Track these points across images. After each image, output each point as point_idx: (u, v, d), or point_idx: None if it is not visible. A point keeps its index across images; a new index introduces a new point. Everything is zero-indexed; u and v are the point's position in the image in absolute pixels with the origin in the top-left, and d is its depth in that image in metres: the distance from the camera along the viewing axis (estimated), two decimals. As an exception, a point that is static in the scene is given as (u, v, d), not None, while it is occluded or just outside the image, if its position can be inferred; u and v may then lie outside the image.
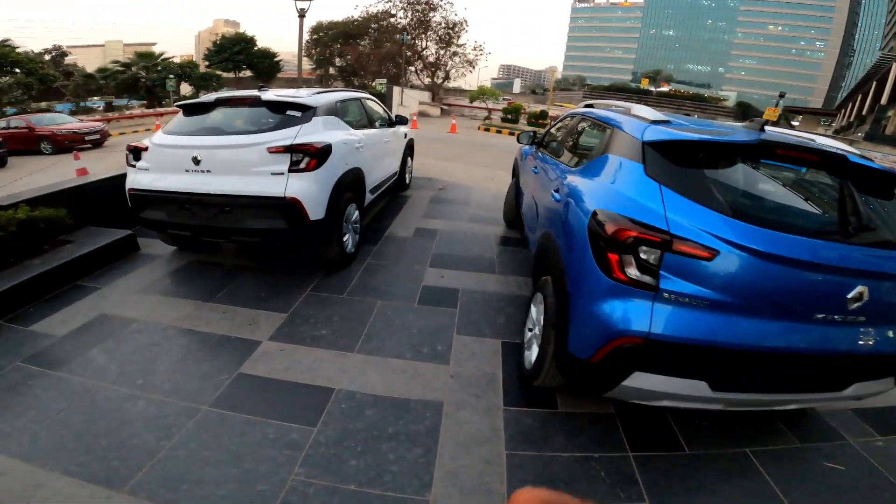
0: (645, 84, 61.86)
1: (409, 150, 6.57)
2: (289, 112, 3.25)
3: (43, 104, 21.04)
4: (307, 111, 3.30)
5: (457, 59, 28.75)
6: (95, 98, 27.75)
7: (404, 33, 23.99)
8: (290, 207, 3.03)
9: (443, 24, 27.68)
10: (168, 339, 2.67)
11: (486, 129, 17.70)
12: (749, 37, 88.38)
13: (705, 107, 55.66)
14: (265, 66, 32.75)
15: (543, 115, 18.73)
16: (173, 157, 3.15)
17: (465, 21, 27.98)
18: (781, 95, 23.62)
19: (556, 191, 2.53)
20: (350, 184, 3.66)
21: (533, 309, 2.49)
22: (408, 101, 20.34)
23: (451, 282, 3.62)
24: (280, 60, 35.92)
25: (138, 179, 3.24)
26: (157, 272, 3.54)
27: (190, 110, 3.46)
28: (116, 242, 3.65)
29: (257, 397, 2.20)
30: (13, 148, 11.99)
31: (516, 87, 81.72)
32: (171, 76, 25.56)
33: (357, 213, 3.89)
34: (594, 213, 1.84)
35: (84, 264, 3.34)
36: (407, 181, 6.52)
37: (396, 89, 19.57)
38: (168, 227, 3.31)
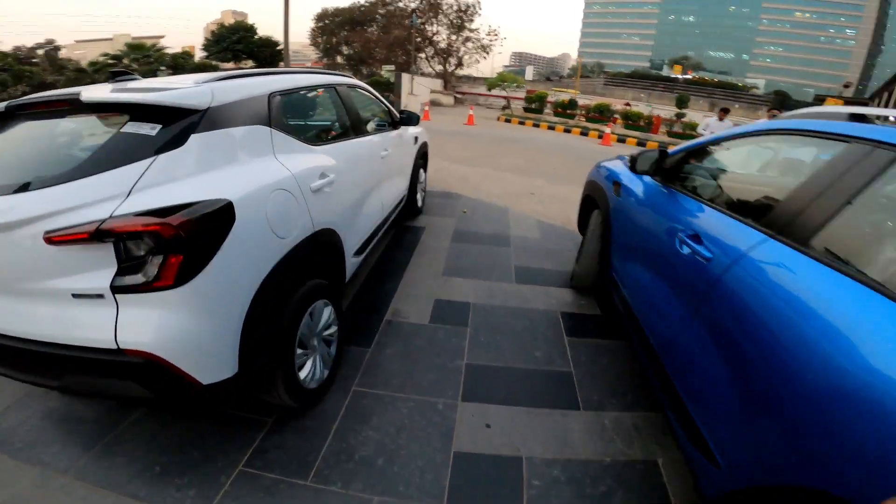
0: (678, 71, 58.24)
1: (423, 158, 4.64)
2: (130, 129, 1.36)
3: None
4: (178, 121, 1.41)
5: (470, 44, 26.66)
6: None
7: (414, 16, 21.89)
8: (143, 370, 1.21)
9: (454, 8, 25.55)
10: None
11: (507, 121, 15.63)
12: (775, 23, 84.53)
13: (738, 95, 51.70)
14: (266, 55, 30.83)
15: (573, 104, 16.56)
16: None
17: (479, 3, 25.78)
18: (846, 86, 21.13)
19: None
20: (308, 264, 1.83)
21: None
22: (418, 89, 18.34)
23: (506, 437, 1.80)
24: (281, 49, 33.95)
25: None
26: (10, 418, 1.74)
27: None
28: None
29: None
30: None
31: (528, 75, 78.42)
32: (163, 68, 23.80)
33: (331, 312, 2.03)
34: None
35: None
36: (419, 203, 4.61)
37: (406, 77, 17.57)
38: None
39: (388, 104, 3.63)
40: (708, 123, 8.14)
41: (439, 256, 3.70)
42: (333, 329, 2.04)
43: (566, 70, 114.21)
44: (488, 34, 26.69)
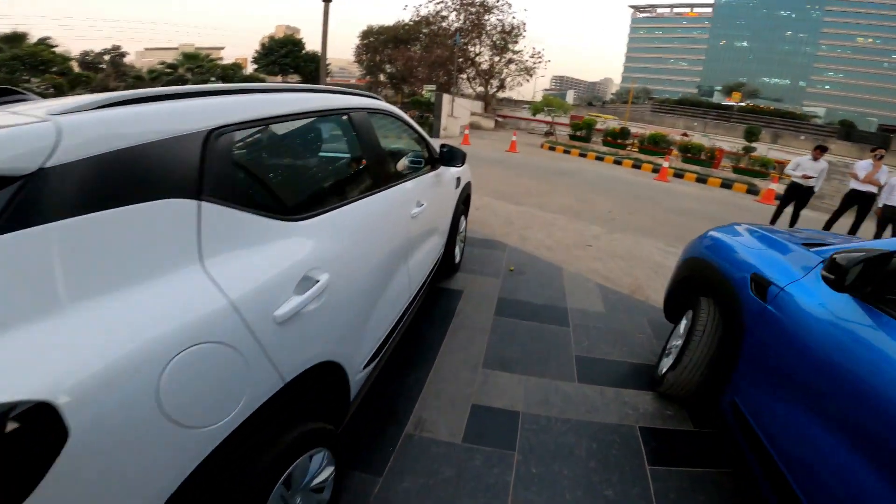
0: (736, 98, 55.32)
1: (465, 203, 3.78)
2: None
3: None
4: None
5: (513, 66, 26.05)
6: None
7: (457, 35, 21.50)
8: None
9: (498, 28, 25.07)
10: None
11: (551, 148, 14.68)
12: (835, 49, 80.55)
13: (799, 125, 48.02)
14: (312, 70, 31.41)
15: (625, 133, 15.43)
16: None
17: (524, 25, 25.21)
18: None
19: None
20: (277, 423, 1.07)
21: None
22: (459, 111, 17.73)
23: None
24: (328, 65, 34.65)
25: None
26: None
27: None
28: None
29: None
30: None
31: (569, 99, 77.20)
32: (213, 78, 24.49)
33: (324, 457, 1.22)
34: None
35: None
36: (457, 258, 3.72)
37: (446, 97, 16.99)
38: None
39: (426, 135, 2.76)
40: (799, 163, 6.90)
41: (479, 337, 2.82)
42: (327, 474, 1.26)
43: (608, 95, 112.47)
44: (532, 56, 26.07)
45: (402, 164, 2.41)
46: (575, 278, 3.99)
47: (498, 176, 8.73)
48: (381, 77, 33.03)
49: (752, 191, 10.71)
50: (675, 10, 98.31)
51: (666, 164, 11.15)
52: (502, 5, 25.26)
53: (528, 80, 27.35)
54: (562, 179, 9.13)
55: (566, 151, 14.19)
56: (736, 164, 13.17)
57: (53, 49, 19.65)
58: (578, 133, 16.37)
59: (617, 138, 15.15)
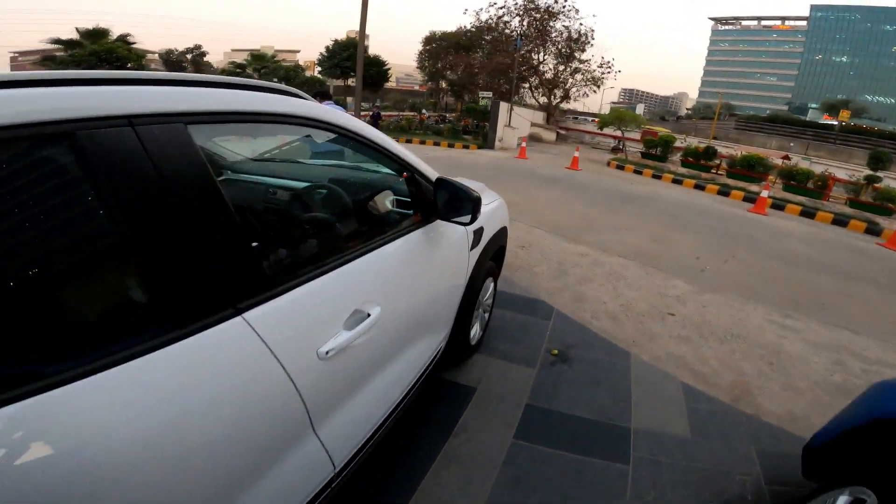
0: (845, 116, 48.47)
1: (496, 258, 2.51)
2: None
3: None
4: None
5: (579, 76, 24.20)
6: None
7: (519, 38, 20.09)
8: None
9: (564, 36, 23.40)
10: None
11: (619, 167, 12.90)
12: (947, 66, 70.97)
13: None
14: (372, 74, 31.41)
15: (709, 153, 13.24)
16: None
17: (592, 32, 23.32)
18: None
19: None
20: None
21: None
22: (517, 121, 16.36)
23: None
24: (389, 69, 34.70)
25: None
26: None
27: None
28: None
29: None
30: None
31: (639, 113, 72.44)
32: (275, 79, 24.96)
33: None
34: None
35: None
36: (475, 338, 2.45)
37: (503, 106, 15.68)
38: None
39: (420, 168, 1.52)
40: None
41: (481, 479, 1.64)
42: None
43: (683, 110, 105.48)
44: (600, 66, 24.07)
45: (342, 227, 1.20)
46: (648, 373, 2.60)
47: (553, 200, 7.30)
48: (443, 84, 32.42)
49: (873, 230, 8.44)
50: (764, 22, 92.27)
51: (765, 194, 9.11)
52: (568, 11, 23.55)
53: (594, 92, 25.39)
54: (632, 207, 7.50)
55: (637, 171, 12.36)
56: (853, 197, 10.68)
57: (130, 46, 20.82)
58: (652, 151, 14.36)
59: (700, 159, 13.00)
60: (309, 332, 1.00)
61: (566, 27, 23.30)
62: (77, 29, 21.18)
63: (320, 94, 5.23)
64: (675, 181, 11.39)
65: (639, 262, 4.58)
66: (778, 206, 9.73)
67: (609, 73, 23.91)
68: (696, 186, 11.01)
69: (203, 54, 37.20)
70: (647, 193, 9.13)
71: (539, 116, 22.70)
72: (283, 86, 1.16)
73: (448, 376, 2.32)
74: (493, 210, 2.29)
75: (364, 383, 1.23)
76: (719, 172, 12.87)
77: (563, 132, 21.12)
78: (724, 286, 4.18)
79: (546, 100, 24.94)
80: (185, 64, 36.53)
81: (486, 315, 2.66)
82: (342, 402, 1.14)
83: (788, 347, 3.14)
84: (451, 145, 15.36)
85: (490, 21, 25.04)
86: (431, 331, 1.71)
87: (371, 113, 18.33)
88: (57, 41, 20.68)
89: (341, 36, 32.60)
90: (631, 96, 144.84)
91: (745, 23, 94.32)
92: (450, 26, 32.38)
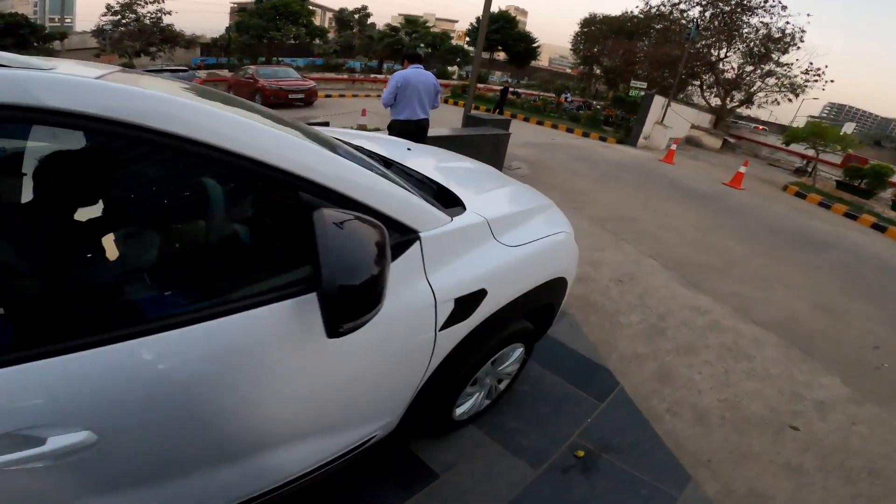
0: None
1: (542, 317, 1.70)
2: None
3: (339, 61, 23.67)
4: None
5: (772, 80, 19.56)
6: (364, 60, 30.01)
7: (693, 25, 16.70)
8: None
9: (761, 33, 18.93)
10: None
11: (800, 195, 9.91)
12: None
13: None
14: (520, 50, 29.91)
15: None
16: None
17: (802, 33, 18.43)
18: None
19: None
20: None
21: None
22: (673, 119, 13.77)
23: None
24: (538, 46, 32.72)
25: None
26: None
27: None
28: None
29: None
30: (237, 95, 12.74)
31: (847, 132, 57.65)
32: (422, 45, 25.18)
33: None
34: None
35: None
36: (468, 412, 1.71)
37: (657, 100, 13.24)
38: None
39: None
40: None
41: None
42: None
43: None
44: (806, 72, 19.03)
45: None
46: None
47: (690, 223, 5.59)
48: (597, 70, 29.62)
49: None
50: None
51: None
52: (771, 7, 18.85)
53: (789, 100, 20.39)
54: (800, 253, 5.38)
55: (824, 205, 9.32)
56: None
57: (304, 2, 22.66)
58: (855, 183, 10.76)
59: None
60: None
61: (765, 23, 18.89)
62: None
63: (408, 56, 4.53)
64: (876, 226, 8.25)
65: (782, 338, 2.99)
66: None
67: (816, 81, 18.94)
68: (914, 240, 7.80)
69: (368, 15, 38.99)
70: (831, 237, 6.63)
71: (705, 119, 19.12)
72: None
73: (416, 446, 1.61)
74: (528, 255, 1.42)
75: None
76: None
77: (731, 140, 17.39)
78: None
79: (720, 102, 20.89)
80: (352, 23, 38.88)
81: (504, 383, 1.76)
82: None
83: None
84: (585, 134, 13.63)
85: (663, 7, 21.56)
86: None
87: (501, 88, 17.57)
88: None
89: (503, 9, 31.60)
90: (839, 112, 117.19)
91: None
92: (614, 10, 29.07)
